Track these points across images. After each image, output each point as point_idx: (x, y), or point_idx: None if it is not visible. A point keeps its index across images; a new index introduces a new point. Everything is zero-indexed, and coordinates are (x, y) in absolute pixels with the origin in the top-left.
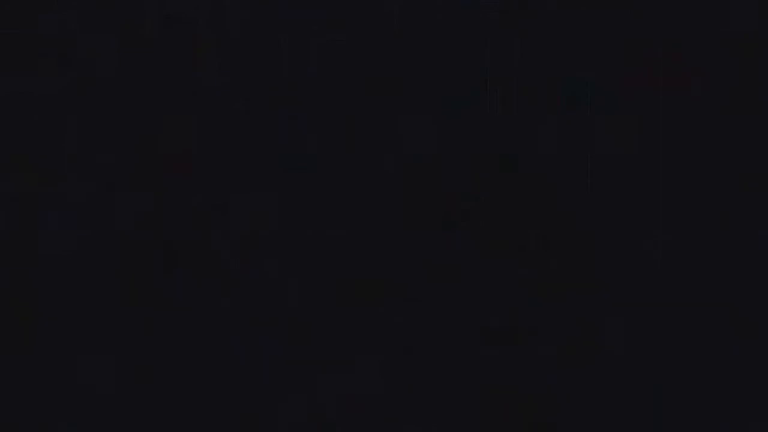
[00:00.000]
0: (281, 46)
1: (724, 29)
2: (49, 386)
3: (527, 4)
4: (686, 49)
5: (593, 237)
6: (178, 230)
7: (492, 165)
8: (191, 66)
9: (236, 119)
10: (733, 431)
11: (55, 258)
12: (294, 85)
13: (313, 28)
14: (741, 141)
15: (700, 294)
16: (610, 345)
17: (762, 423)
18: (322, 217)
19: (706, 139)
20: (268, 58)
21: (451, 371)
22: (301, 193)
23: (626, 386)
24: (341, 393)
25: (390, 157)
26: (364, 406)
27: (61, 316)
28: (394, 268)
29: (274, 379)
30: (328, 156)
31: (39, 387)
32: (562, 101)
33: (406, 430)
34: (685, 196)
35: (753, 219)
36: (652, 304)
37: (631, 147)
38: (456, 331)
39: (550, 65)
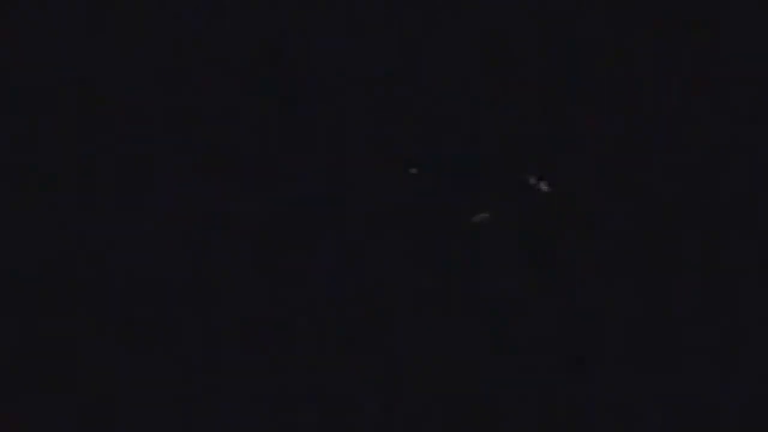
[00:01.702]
0: (282, 46)
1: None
2: (49, 385)
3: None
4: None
5: (594, 236)
6: (177, 229)
7: (493, 165)
8: (191, 66)
9: (236, 119)
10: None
11: (57, 257)
12: (293, 84)
13: (314, 28)
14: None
15: (700, 293)
16: (611, 344)
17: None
18: (322, 218)
19: (707, 139)
20: (268, 58)
21: (452, 372)
22: (301, 193)
23: (626, 386)
24: (342, 393)
25: (390, 158)
26: (364, 406)
27: (61, 315)
28: (396, 268)
29: (275, 379)
30: (326, 156)
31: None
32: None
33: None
34: (690, 196)
35: (754, 219)
36: (652, 302)
37: (631, 147)
38: (457, 331)
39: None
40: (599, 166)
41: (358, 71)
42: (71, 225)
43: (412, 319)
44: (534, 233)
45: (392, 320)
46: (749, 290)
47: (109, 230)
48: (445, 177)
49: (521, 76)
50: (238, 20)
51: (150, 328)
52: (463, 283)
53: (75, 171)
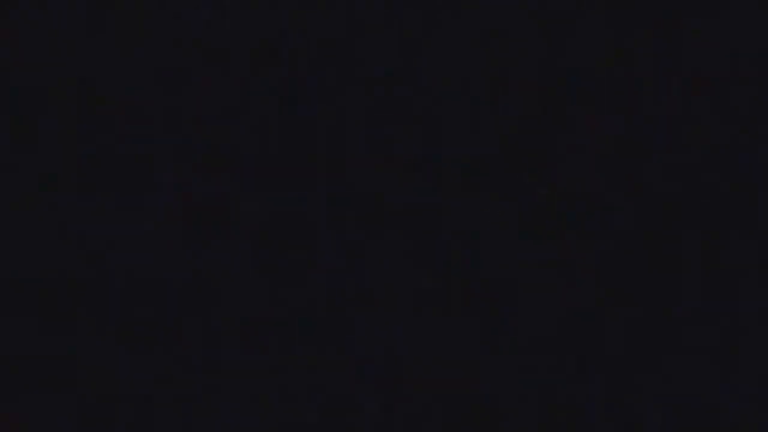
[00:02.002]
0: (282, 46)
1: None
2: (50, 384)
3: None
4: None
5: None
6: (177, 229)
7: (493, 165)
8: (191, 66)
9: (236, 119)
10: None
11: (60, 255)
12: (293, 84)
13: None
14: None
15: (700, 293)
16: (611, 344)
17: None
18: (322, 218)
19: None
20: (268, 58)
21: (452, 372)
22: (301, 193)
23: (626, 386)
24: (342, 393)
25: (390, 158)
26: (364, 406)
27: (61, 315)
28: (396, 268)
29: (275, 379)
30: (326, 156)
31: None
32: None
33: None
34: (690, 196)
35: (754, 219)
36: (652, 302)
37: (631, 147)
38: (457, 331)
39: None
40: (599, 166)
41: (358, 71)
42: (71, 225)
43: (412, 319)
44: (534, 233)
45: (392, 320)
46: (749, 290)
47: (109, 230)
48: (445, 177)
49: (521, 76)
50: (238, 20)
51: (150, 328)
52: (463, 283)
53: (75, 171)
